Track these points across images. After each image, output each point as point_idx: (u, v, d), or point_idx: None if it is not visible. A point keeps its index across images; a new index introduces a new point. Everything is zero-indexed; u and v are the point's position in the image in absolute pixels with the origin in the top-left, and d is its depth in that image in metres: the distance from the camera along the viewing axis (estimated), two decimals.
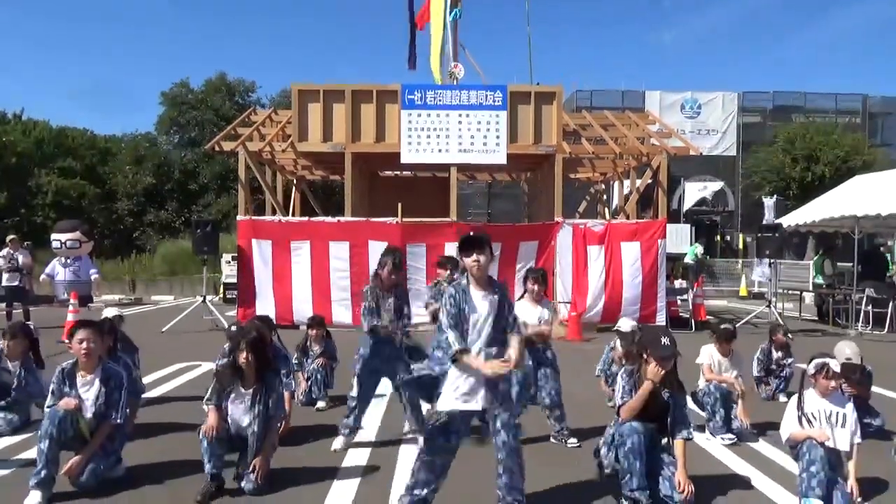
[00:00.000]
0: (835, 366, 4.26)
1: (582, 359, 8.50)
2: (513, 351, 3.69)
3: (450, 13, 15.46)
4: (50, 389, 4.42)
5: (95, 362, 4.45)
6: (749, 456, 5.26)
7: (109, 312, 6.11)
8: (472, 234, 3.77)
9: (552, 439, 5.54)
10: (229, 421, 4.38)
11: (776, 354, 7.30)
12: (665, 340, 4.06)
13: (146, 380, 7.70)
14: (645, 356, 4.14)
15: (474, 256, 3.68)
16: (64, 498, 4.26)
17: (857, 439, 4.24)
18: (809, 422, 4.20)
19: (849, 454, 4.22)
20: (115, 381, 4.46)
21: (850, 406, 4.30)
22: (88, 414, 4.34)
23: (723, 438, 5.58)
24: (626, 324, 6.66)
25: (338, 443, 5.29)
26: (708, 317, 13.99)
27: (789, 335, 7.57)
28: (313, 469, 4.73)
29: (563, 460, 5.07)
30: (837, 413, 4.23)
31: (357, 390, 5.28)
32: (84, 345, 4.36)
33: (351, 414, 5.30)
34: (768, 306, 13.04)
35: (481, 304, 3.71)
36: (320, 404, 6.65)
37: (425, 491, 3.76)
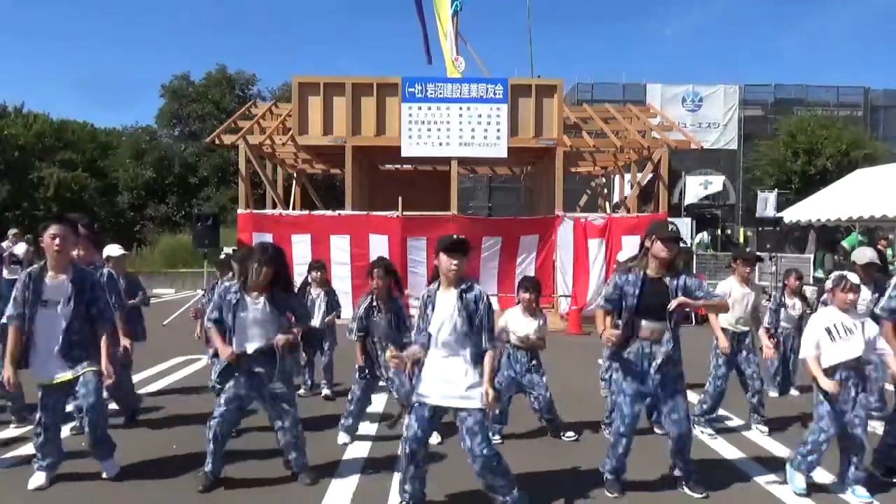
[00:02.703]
0: (853, 278, 4.28)
1: (582, 352, 8.51)
2: (485, 375, 3.73)
3: (451, 5, 15.41)
4: (12, 296, 4.17)
5: (66, 261, 4.21)
6: (745, 446, 5.28)
7: (113, 251, 6.07)
8: (457, 237, 3.81)
9: (550, 434, 5.58)
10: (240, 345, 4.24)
11: (790, 302, 6.98)
12: (672, 227, 4.14)
13: (146, 373, 7.76)
14: (650, 242, 4.14)
15: (456, 261, 3.75)
16: (67, 479, 4.29)
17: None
18: (832, 337, 4.22)
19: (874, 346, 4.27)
20: (89, 282, 4.25)
21: (868, 322, 4.33)
22: (62, 319, 4.14)
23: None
24: (625, 255, 6.73)
25: (343, 437, 5.34)
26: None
27: (803, 280, 7.22)
28: (313, 465, 4.74)
29: (560, 452, 5.09)
30: (856, 325, 4.24)
31: (357, 395, 5.31)
32: (56, 241, 4.10)
33: (349, 416, 5.35)
34: (768, 300, 13.02)
35: (447, 305, 3.77)
36: (326, 392, 6.68)
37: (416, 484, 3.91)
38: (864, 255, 5.69)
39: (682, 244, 4.20)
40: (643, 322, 4.12)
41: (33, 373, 4.25)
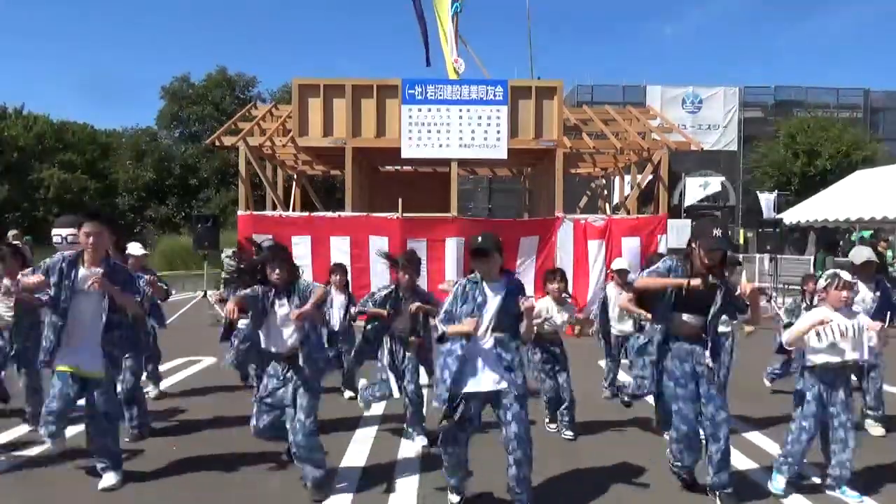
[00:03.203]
0: (846, 276, 4.24)
1: (581, 353, 8.50)
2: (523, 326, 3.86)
3: (451, 7, 15.41)
4: (45, 266, 4.25)
5: (101, 256, 4.32)
6: (743, 447, 5.28)
7: (135, 250, 6.25)
8: (480, 243, 3.91)
9: (548, 427, 5.67)
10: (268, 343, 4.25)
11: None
12: (717, 232, 3.97)
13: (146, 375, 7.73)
14: (693, 246, 4.04)
15: (482, 264, 3.88)
16: (66, 481, 4.29)
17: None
18: (819, 338, 4.18)
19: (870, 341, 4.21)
20: (122, 275, 4.37)
21: (860, 316, 4.29)
22: (100, 311, 4.23)
23: None
24: (620, 262, 6.80)
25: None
26: None
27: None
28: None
29: (559, 453, 5.09)
30: (849, 326, 4.19)
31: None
32: (91, 239, 4.24)
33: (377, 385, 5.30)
34: (769, 301, 13.05)
35: (492, 297, 3.87)
36: (349, 393, 6.68)
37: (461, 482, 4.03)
38: (861, 254, 5.66)
39: (730, 253, 4.05)
40: (683, 316, 4.05)
41: (57, 360, 4.23)
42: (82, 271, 4.25)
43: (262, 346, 4.30)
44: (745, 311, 4.16)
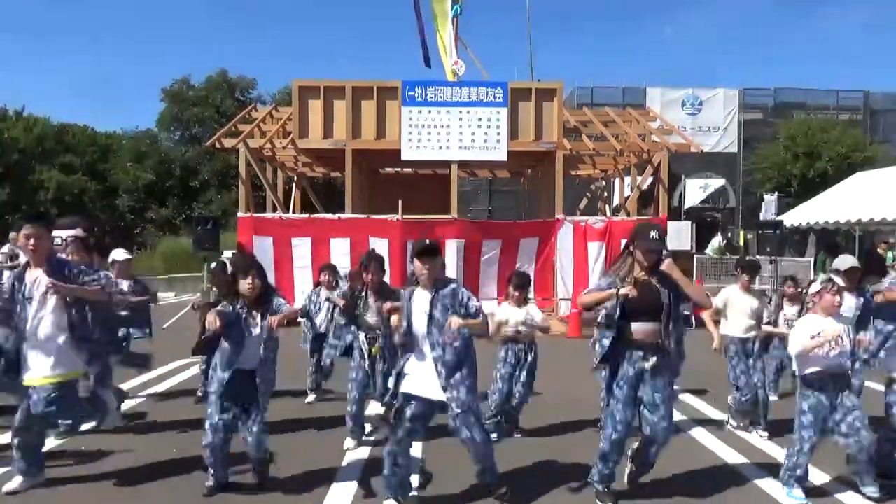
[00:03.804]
0: (839, 280, 4.23)
1: (582, 355, 8.50)
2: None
3: (451, 9, 15.42)
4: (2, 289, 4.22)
5: (43, 257, 4.23)
6: (744, 449, 5.27)
7: (119, 255, 6.14)
8: (429, 242, 4.02)
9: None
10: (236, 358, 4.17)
11: (787, 309, 6.56)
12: (654, 234, 3.99)
13: (146, 376, 7.73)
14: (632, 248, 4.07)
15: (428, 265, 3.92)
16: (64, 483, 4.28)
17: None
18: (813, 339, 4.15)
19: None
20: (65, 269, 4.25)
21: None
22: (44, 308, 4.16)
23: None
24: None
25: (349, 442, 5.35)
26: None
27: (800, 287, 7.16)
28: (314, 470, 4.73)
29: (559, 454, 5.08)
30: (841, 334, 4.16)
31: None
32: (31, 241, 4.16)
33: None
34: (769, 303, 13.02)
35: (423, 304, 3.95)
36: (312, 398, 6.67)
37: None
38: (846, 261, 5.65)
39: (665, 251, 4.03)
40: (634, 325, 4.01)
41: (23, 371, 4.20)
42: (28, 277, 4.20)
43: (228, 365, 4.16)
44: (689, 299, 4.11)
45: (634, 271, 4.03)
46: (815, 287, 4.35)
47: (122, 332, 5.99)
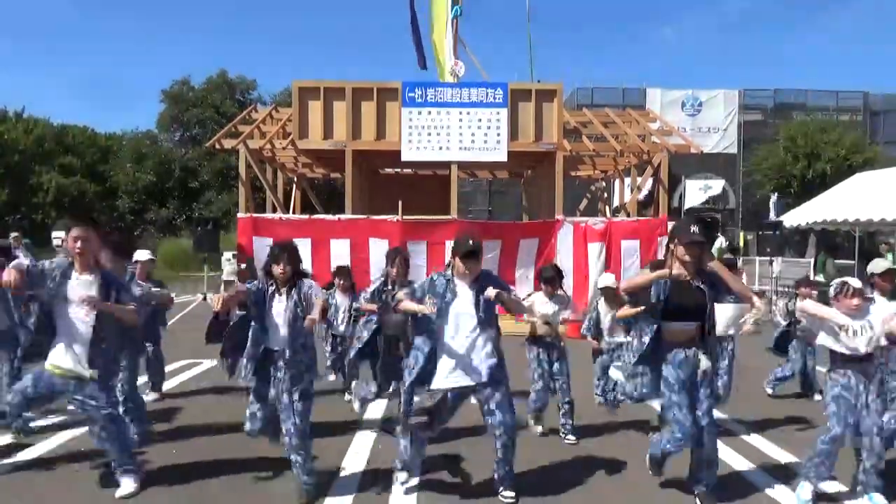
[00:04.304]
0: (855, 283, 4.20)
1: (581, 356, 8.50)
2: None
3: (451, 10, 15.43)
4: (41, 268, 4.19)
5: (90, 262, 4.25)
6: (748, 453, 5.27)
7: (142, 256, 6.35)
8: (473, 244, 4.12)
9: (534, 428, 5.67)
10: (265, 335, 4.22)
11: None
12: (695, 228, 3.96)
13: (146, 378, 7.71)
14: (673, 246, 4.05)
15: (472, 266, 4.11)
16: (63, 483, 4.28)
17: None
18: (837, 337, 4.17)
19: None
20: (115, 286, 4.31)
21: (872, 312, 4.23)
22: (88, 313, 4.17)
23: None
24: (606, 279, 6.67)
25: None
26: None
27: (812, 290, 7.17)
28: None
29: (559, 455, 5.08)
30: (862, 326, 4.16)
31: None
32: (79, 244, 4.18)
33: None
34: (769, 303, 13.03)
35: (464, 294, 4.13)
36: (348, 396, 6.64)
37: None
38: (879, 264, 5.47)
39: (707, 245, 4.03)
40: (673, 325, 4.00)
41: (48, 357, 4.22)
42: (73, 279, 4.20)
43: (256, 344, 4.23)
44: (732, 295, 4.14)
45: (675, 269, 3.98)
46: (831, 292, 4.30)
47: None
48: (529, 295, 5.84)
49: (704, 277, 4.00)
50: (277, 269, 4.23)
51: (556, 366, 5.60)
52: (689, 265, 3.97)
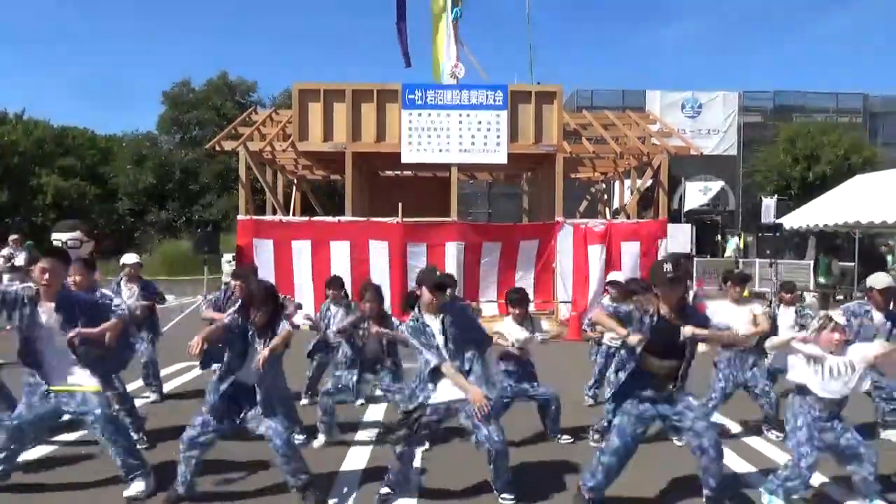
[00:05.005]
0: (838, 318, 4.09)
1: (581, 358, 8.50)
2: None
3: (451, 12, 15.45)
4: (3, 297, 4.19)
5: (54, 293, 4.25)
6: (748, 455, 5.26)
7: (129, 259, 6.29)
8: (441, 276, 4.43)
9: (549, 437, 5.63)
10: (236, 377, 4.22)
11: (788, 316, 6.49)
12: (667, 267, 3.89)
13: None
14: (655, 293, 4.01)
15: (438, 298, 4.26)
16: (61, 487, 4.27)
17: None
18: (816, 372, 4.03)
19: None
20: (75, 306, 4.26)
21: (852, 350, 4.12)
22: (54, 338, 4.20)
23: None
24: (616, 275, 6.67)
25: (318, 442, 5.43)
26: None
27: (799, 293, 7.08)
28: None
29: (557, 455, 5.08)
30: (845, 365, 4.03)
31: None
32: (46, 276, 4.18)
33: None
34: (769, 306, 13.02)
35: (435, 326, 4.25)
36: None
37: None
38: (881, 279, 5.34)
39: (681, 266, 3.96)
40: (653, 360, 3.98)
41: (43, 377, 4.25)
42: (41, 310, 4.21)
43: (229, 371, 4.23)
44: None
45: (661, 310, 3.95)
46: (813, 325, 4.19)
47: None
48: (495, 317, 5.87)
49: (687, 316, 3.96)
50: (256, 315, 4.22)
51: (522, 382, 5.52)
52: (672, 307, 3.95)
